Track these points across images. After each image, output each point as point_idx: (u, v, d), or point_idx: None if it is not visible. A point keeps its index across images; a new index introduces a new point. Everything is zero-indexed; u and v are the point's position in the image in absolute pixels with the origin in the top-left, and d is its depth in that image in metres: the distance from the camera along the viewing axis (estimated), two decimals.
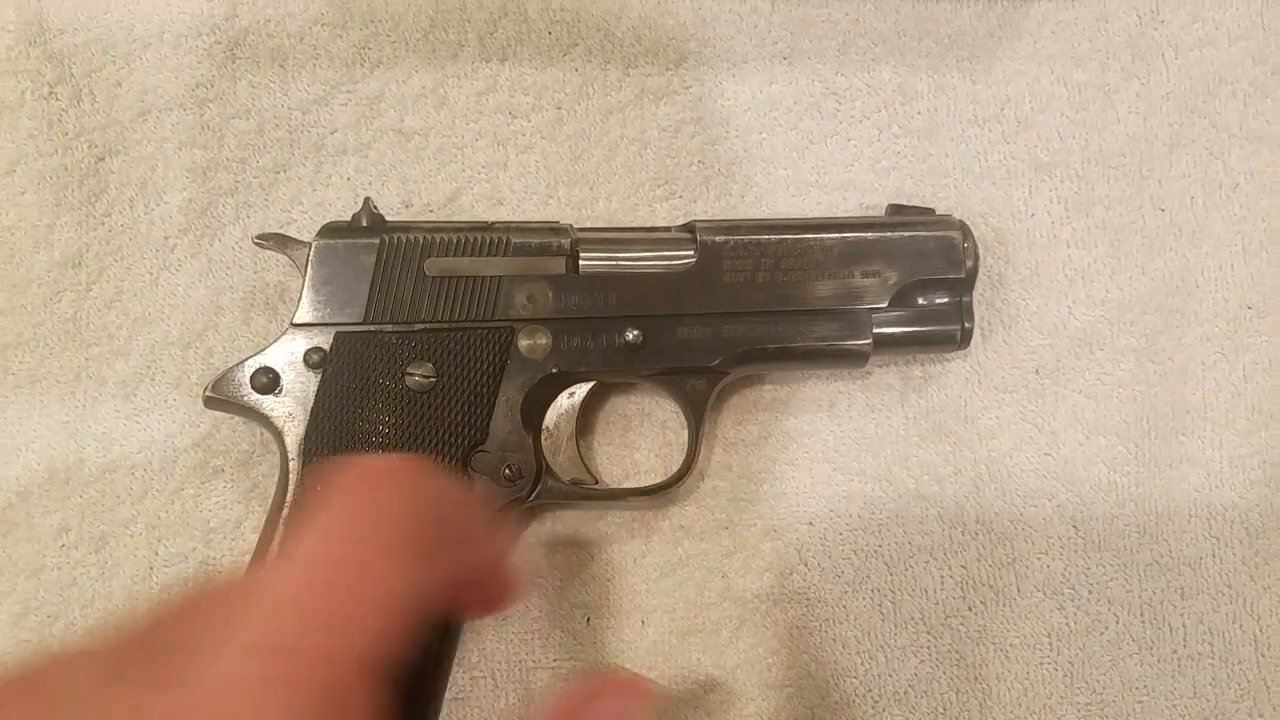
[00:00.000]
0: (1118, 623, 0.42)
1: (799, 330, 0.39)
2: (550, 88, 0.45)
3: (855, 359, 0.39)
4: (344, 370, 0.37)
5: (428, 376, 0.37)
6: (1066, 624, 0.42)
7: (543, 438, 0.39)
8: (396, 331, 0.38)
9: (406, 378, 0.37)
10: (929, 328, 0.39)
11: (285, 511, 0.37)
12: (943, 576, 0.42)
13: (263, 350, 0.38)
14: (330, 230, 0.39)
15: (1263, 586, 0.43)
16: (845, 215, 0.43)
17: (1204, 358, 0.44)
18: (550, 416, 0.39)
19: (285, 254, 0.40)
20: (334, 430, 0.37)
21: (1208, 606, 0.42)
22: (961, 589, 0.42)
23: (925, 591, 0.42)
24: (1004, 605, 0.42)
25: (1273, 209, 0.45)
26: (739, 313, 0.38)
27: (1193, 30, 0.46)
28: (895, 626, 0.41)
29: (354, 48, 0.44)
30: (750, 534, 0.42)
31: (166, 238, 0.43)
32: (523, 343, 0.38)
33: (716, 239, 0.39)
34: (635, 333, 0.38)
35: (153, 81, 0.44)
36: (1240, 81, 0.46)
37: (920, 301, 0.39)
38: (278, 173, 0.44)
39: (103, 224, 0.43)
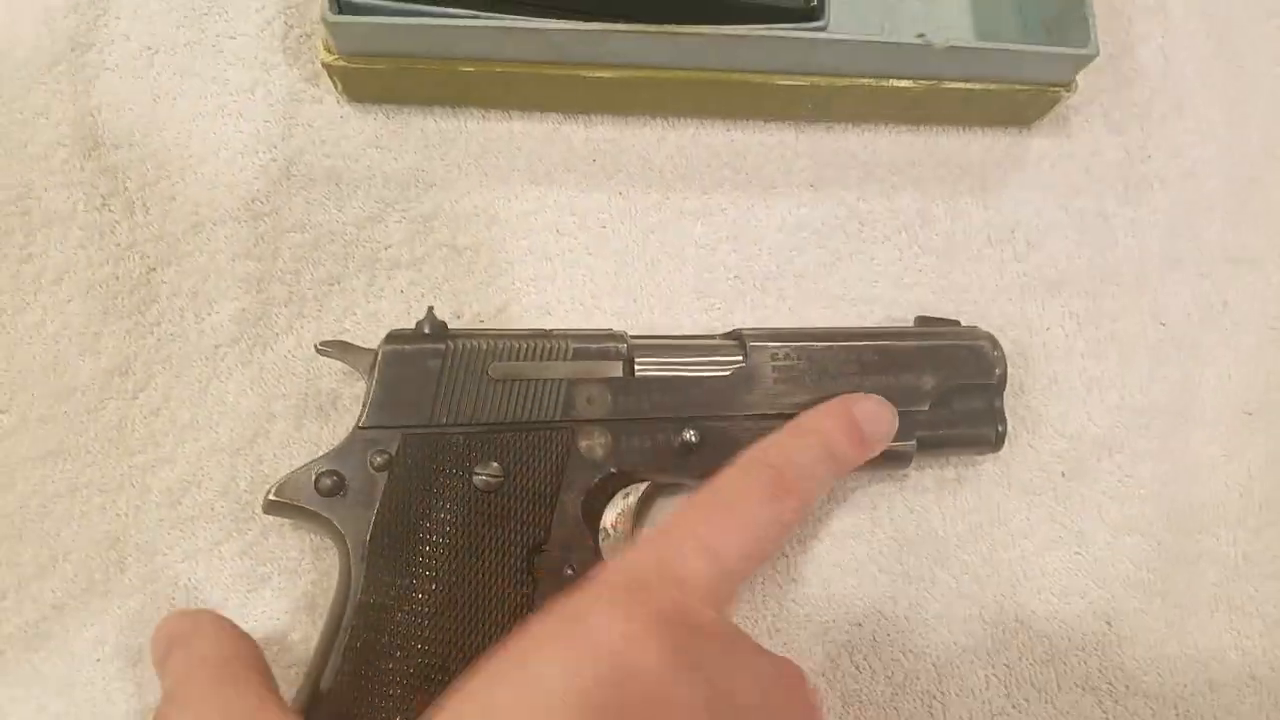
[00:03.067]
0: (1153, 715, 0.49)
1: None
2: (594, 209, 0.53)
3: (900, 460, 0.47)
4: (410, 471, 0.42)
5: (495, 475, 0.42)
6: (1105, 718, 0.48)
7: (600, 538, 0.45)
8: (462, 432, 0.43)
9: (474, 477, 0.42)
10: (966, 430, 0.47)
11: (346, 617, 0.41)
12: (987, 676, 0.48)
13: (327, 455, 0.43)
14: (396, 337, 0.44)
15: None
16: (881, 325, 0.51)
17: (1211, 459, 0.53)
18: (608, 517, 0.45)
19: (347, 361, 0.45)
20: (400, 531, 0.42)
21: (1234, 698, 0.49)
22: (1006, 687, 0.48)
23: (972, 691, 0.48)
24: (1045, 703, 0.48)
25: (1260, 323, 0.55)
26: (786, 414, 0.45)
27: (1176, 164, 0.57)
28: None
29: (408, 170, 0.52)
30: (800, 636, 0.48)
31: (217, 346, 0.49)
32: (583, 443, 0.44)
33: (762, 344, 0.46)
34: (691, 433, 0.44)
35: (207, 196, 0.51)
36: (1218, 210, 0.57)
37: (956, 406, 0.47)
38: (331, 285, 0.51)
39: (152, 332, 0.49)
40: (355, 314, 0.50)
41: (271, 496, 0.42)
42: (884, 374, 0.46)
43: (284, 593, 0.47)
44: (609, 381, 0.44)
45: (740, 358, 0.46)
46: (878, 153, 0.55)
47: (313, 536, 0.47)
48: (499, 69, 0.49)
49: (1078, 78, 0.54)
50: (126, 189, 0.51)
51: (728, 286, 0.53)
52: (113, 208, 0.50)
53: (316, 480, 0.42)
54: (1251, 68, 0.60)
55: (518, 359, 0.44)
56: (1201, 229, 0.56)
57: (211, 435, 0.48)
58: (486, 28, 0.47)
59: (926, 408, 0.46)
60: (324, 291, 0.51)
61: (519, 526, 0.43)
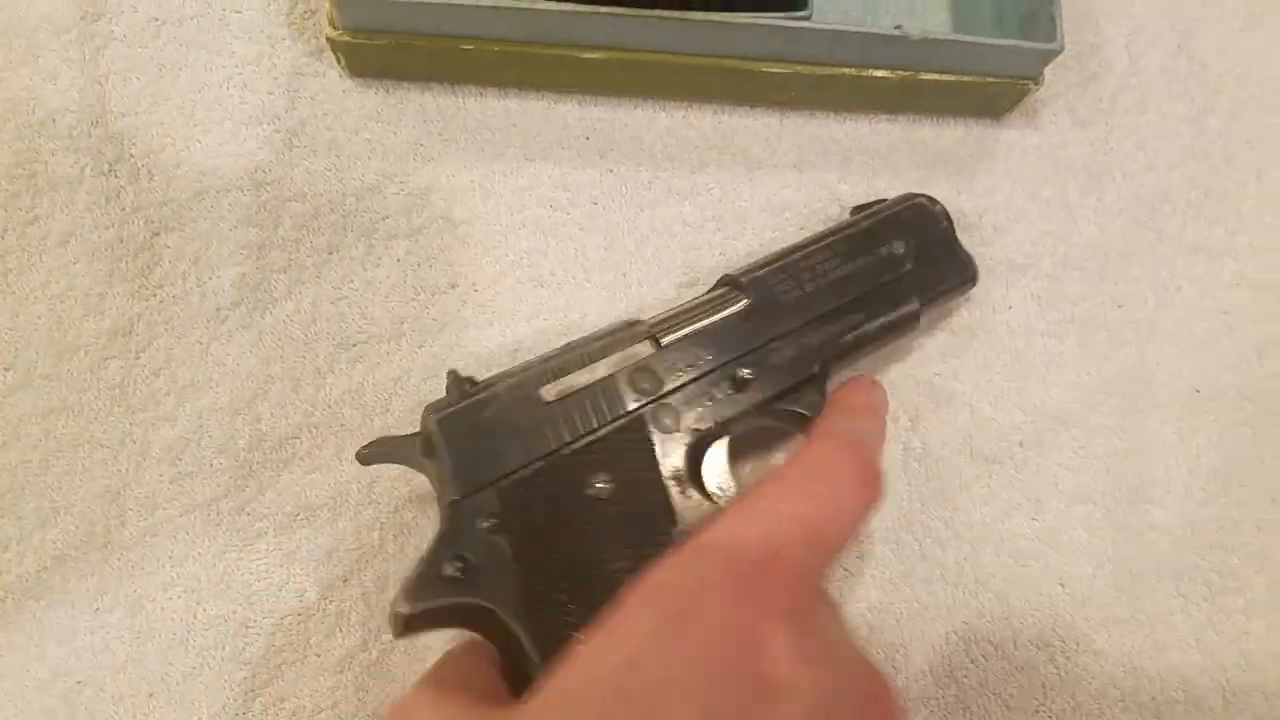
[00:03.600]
0: (1102, 673, 0.53)
1: (862, 313, 0.49)
2: (586, 186, 0.56)
3: (912, 321, 0.50)
4: (525, 517, 0.41)
5: (606, 482, 0.42)
6: (1058, 675, 0.52)
7: (717, 501, 0.44)
8: (552, 461, 0.42)
9: (586, 491, 0.41)
10: (948, 273, 0.52)
11: (531, 668, 0.38)
12: (947, 632, 0.52)
13: (437, 545, 0.40)
14: (438, 408, 0.42)
15: (1226, 640, 0.55)
16: (833, 224, 0.53)
17: (1164, 436, 0.57)
18: (710, 482, 0.45)
19: (396, 458, 0.44)
20: (541, 577, 0.40)
21: (1179, 658, 0.54)
22: (964, 643, 0.52)
23: (932, 646, 0.52)
24: (1002, 658, 0.52)
25: (1212, 309, 0.60)
26: (811, 319, 0.48)
27: (1137, 157, 0.61)
28: (906, 679, 0.51)
29: (407, 144, 0.55)
30: None
31: (218, 309, 0.52)
32: (652, 425, 0.44)
33: (754, 274, 0.48)
34: (745, 370, 0.46)
35: (211, 164, 0.54)
36: (1178, 201, 0.61)
37: (930, 257, 0.51)
38: (330, 253, 0.53)
39: (155, 295, 0.52)
40: (353, 281, 0.53)
41: (409, 612, 0.38)
42: (864, 255, 0.50)
43: (278, 547, 0.50)
44: (647, 360, 0.45)
45: (741, 294, 0.48)
46: (858, 139, 0.59)
47: (307, 493, 0.50)
48: (496, 48, 0.52)
49: (1046, 72, 0.58)
50: (132, 155, 0.53)
51: (714, 263, 0.56)
52: (118, 173, 0.53)
53: (444, 568, 0.39)
54: (1214, 66, 0.64)
55: (559, 376, 0.44)
56: (1161, 219, 0.60)
57: (211, 395, 0.51)
58: (484, 7, 0.50)
59: (910, 267, 0.50)
60: (322, 259, 0.53)
61: (645, 520, 0.42)
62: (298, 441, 0.51)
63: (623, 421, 0.43)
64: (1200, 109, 0.63)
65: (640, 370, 0.45)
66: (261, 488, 0.50)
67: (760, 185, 0.58)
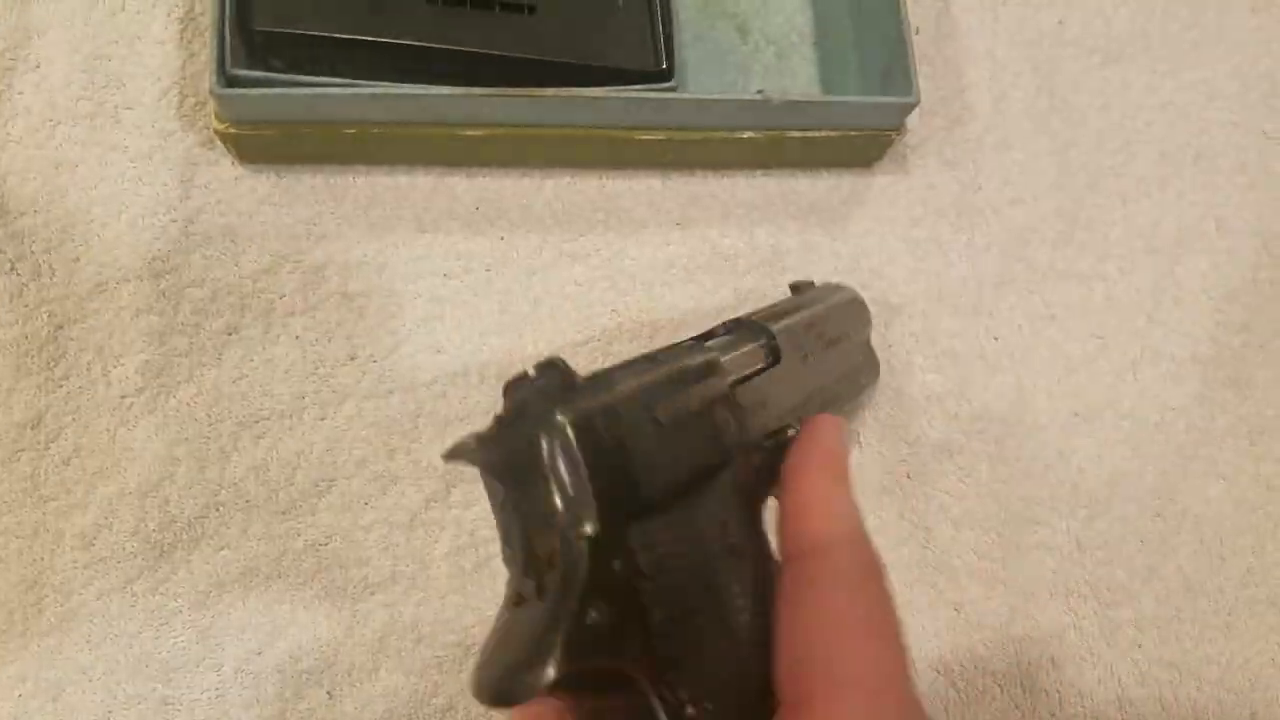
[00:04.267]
0: (1002, 693, 0.57)
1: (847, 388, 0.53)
2: (479, 253, 0.61)
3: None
4: (656, 559, 0.32)
5: (736, 526, 0.35)
6: (958, 697, 0.57)
7: None
8: (692, 492, 0.34)
9: (726, 536, 0.35)
10: (861, 374, 0.56)
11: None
12: None
13: (571, 589, 0.29)
14: (555, 398, 0.31)
15: (1119, 653, 0.59)
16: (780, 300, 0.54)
17: (1045, 458, 0.62)
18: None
19: (475, 460, 0.32)
20: (678, 635, 0.32)
21: (1075, 673, 0.58)
22: None
23: None
24: None
25: (1084, 333, 0.65)
26: (812, 392, 0.46)
27: (1005, 192, 0.67)
28: None
29: (300, 223, 0.60)
30: None
31: (123, 396, 0.56)
32: (740, 464, 0.37)
33: (764, 322, 0.46)
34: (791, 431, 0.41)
35: (110, 257, 0.58)
36: (1047, 232, 0.67)
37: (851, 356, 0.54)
38: (230, 334, 0.58)
39: (61, 386, 0.56)
40: (253, 360, 0.58)
41: (558, 673, 0.28)
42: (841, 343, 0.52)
43: (193, 624, 0.54)
44: (756, 374, 0.41)
45: (763, 337, 0.44)
46: (736, 195, 0.65)
47: (218, 570, 0.53)
48: (377, 130, 0.57)
49: (909, 120, 0.63)
50: (33, 252, 0.58)
51: (606, 320, 0.61)
52: (20, 271, 0.57)
53: (589, 621, 0.30)
54: (1075, 101, 0.70)
55: (673, 397, 0.35)
56: (1030, 250, 0.66)
57: (120, 480, 0.55)
58: (358, 95, 0.55)
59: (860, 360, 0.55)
60: (222, 341, 0.58)
61: (751, 568, 0.36)
62: (205, 521, 0.55)
63: (726, 459, 0.36)
64: (1064, 143, 0.69)
65: (732, 406, 0.38)
66: (174, 567, 0.54)
67: (646, 243, 0.63)
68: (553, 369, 0.32)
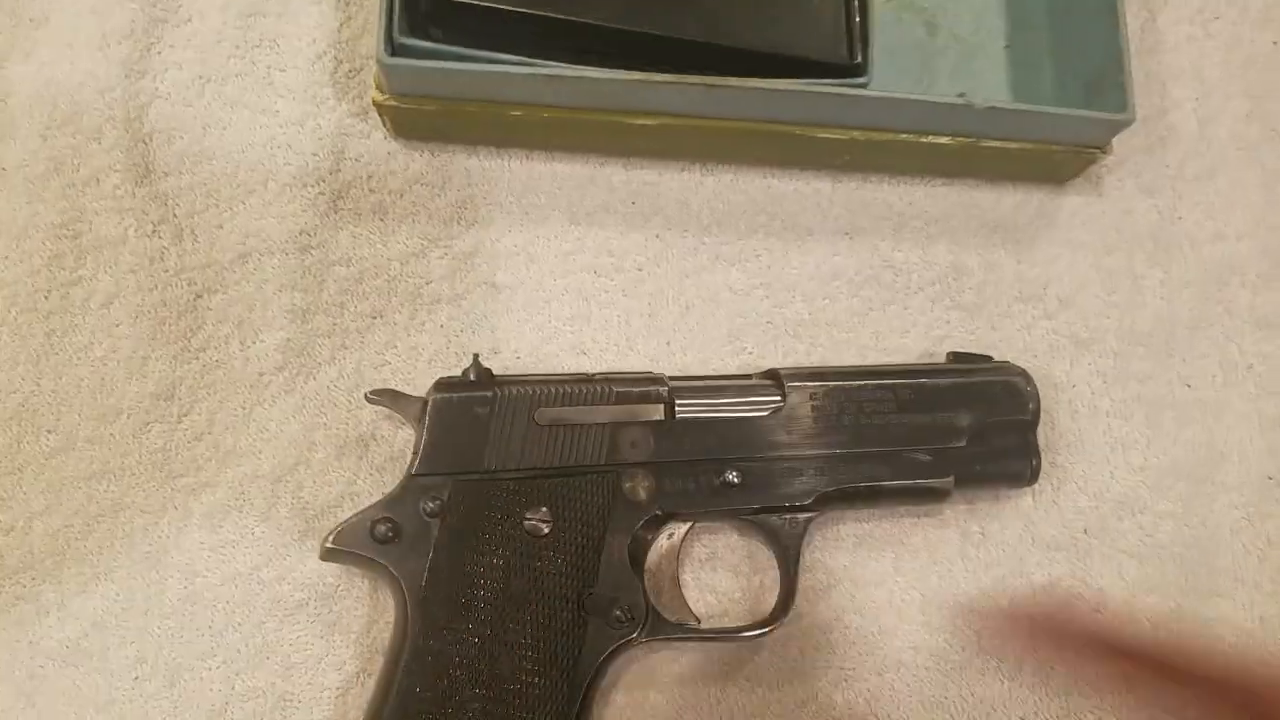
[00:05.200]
0: None
1: (886, 469, 0.53)
2: (631, 251, 0.61)
3: (937, 496, 0.54)
4: (462, 517, 0.49)
5: (545, 520, 0.50)
6: None
7: (646, 579, 0.51)
8: (512, 479, 0.50)
9: (525, 522, 0.50)
10: (1002, 465, 0.54)
11: (403, 661, 0.47)
12: None
13: (380, 502, 0.50)
14: (444, 385, 0.52)
15: None
16: (917, 363, 0.58)
17: (1232, 523, 0.60)
18: (651, 557, 0.52)
19: (396, 410, 0.52)
20: (453, 576, 0.49)
21: None
22: None
23: None
24: None
25: None
26: (826, 454, 0.52)
27: (1206, 226, 0.65)
28: None
29: (451, 206, 0.61)
30: (822, 684, 0.56)
31: (261, 374, 0.57)
32: (627, 486, 0.51)
33: (800, 384, 0.53)
34: (734, 473, 0.51)
35: (255, 226, 0.59)
36: (1248, 273, 0.65)
37: (992, 442, 0.54)
38: (374, 318, 0.59)
39: (197, 358, 0.57)
40: (396, 347, 0.58)
41: (329, 544, 0.49)
42: (920, 412, 0.54)
43: (319, 618, 0.55)
44: (651, 424, 0.52)
45: (778, 398, 0.53)
46: (913, 204, 0.64)
47: (346, 566, 0.53)
48: (545, 114, 0.57)
49: (1113, 140, 0.60)
50: (176, 216, 0.59)
51: (760, 332, 0.61)
52: (162, 234, 0.58)
53: (372, 528, 0.49)
54: None
55: (563, 404, 0.51)
56: (1230, 291, 0.65)
57: (254, 461, 0.56)
58: (534, 75, 0.55)
59: (963, 444, 0.54)
60: (367, 324, 0.59)
61: (569, 569, 0.50)
62: (340, 510, 0.56)
63: (596, 473, 0.50)
64: (1273, 174, 0.67)
65: (640, 432, 0.51)
66: (303, 557, 0.54)
67: (810, 251, 0.63)
68: (470, 369, 0.51)
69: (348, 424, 0.56)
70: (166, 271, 0.57)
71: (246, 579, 0.54)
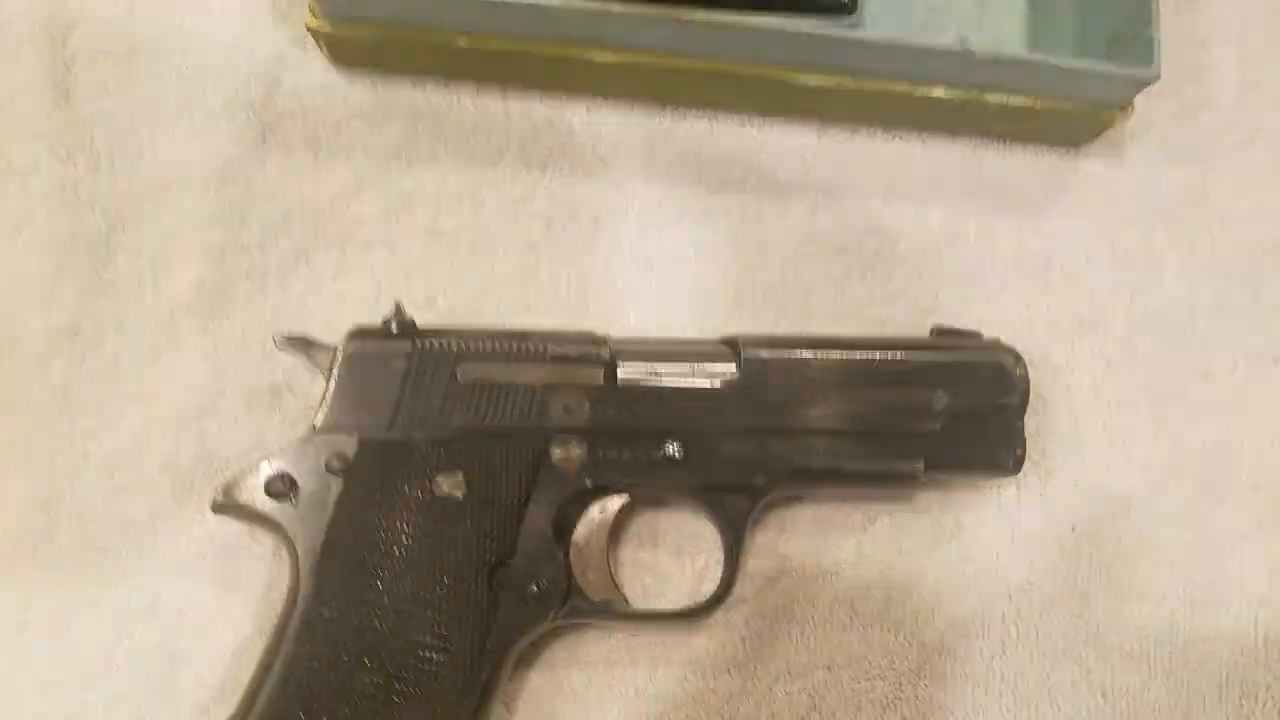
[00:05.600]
0: None
1: (847, 450, 0.53)
2: (590, 201, 0.61)
3: (903, 482, 0.54)
4: (368, 478, 0.50)
5: (457, 487, 0.50)
6: None
7: (571, 554, 0.52)
8: (426, 440, 0.51)
9: (435, 487, 0.50)
10: (980, 451, 0.54)
11: (292, 628, 0.49)
12: None
13: (280, 453, 0.50)
14: (359, 334, 0.52)
15: None
16: (893, 336, 0.57)
17: (1243, 530, 0.59)
18: (580, 531, 0.53)
19: (307, 357, 0.53)
20: (353, 542, 0.49)
21: None
22: None
23: None
24: None
25: None
26: (784, 430, 0.52)
27: (1239, 202, 0.64)
28: None
29: (392, 142, 0.61)
30: (763, 675, 0.56)
31: (173, 314, 0.58)
32: (556, 454, 0.51)
33: (760, 354, 0.53)
34: (675, 445, 0.52)
35: (177, 156, 0.60)
36: None
37: (970, 426, 0.54)
38: (298, 260, 0.59)
39: (106, 293, 0.58)
40: (321, 293, 0.59)
41: (219, 498, 0.50)
42: (891, 388, 0.53)
43: (217, 574, 0.56)
44: (588, 389, 0.52)
45: (733, 366, 0.53)
46: (908, 162, 0.64)
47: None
48: (494, 44, 0.58)
49: (1136, 101, 0.61)
50: (93, 142, 0.60)
51: (726, 296, 0.61)
52: (77, 161, 0.60)
53: (267, 482, 0.50)
54: None
55: (490, 361, 0.52)
56: (1261, 276, 0.63)
57: (158, 407, 0.57)
58: (478, 0, 0.55)
59: (938, 427, 0.53)
60: (290, 266, 0.59)
61: (482, 540, 0.51)
62: (244, 464, 0.57)
63: (522, 438, 0.51)
64: None
65: (575, 397, 0.52)
66: (202, 509, 0.55)
67: (788, 210, 0.63)
68: (391, 319, 0.52)
69: (260, 372, 0.57)
70: (79, 201, 0.58)
71: (141, 529, 0.55)
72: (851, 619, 0.57)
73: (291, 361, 0.58)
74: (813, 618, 0.57)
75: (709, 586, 0.55)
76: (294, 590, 0.49)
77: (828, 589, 0.58)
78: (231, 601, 0.56)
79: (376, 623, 0.49)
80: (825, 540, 0.58)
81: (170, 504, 0.56)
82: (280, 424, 0.58)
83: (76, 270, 0.59)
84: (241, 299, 0.59)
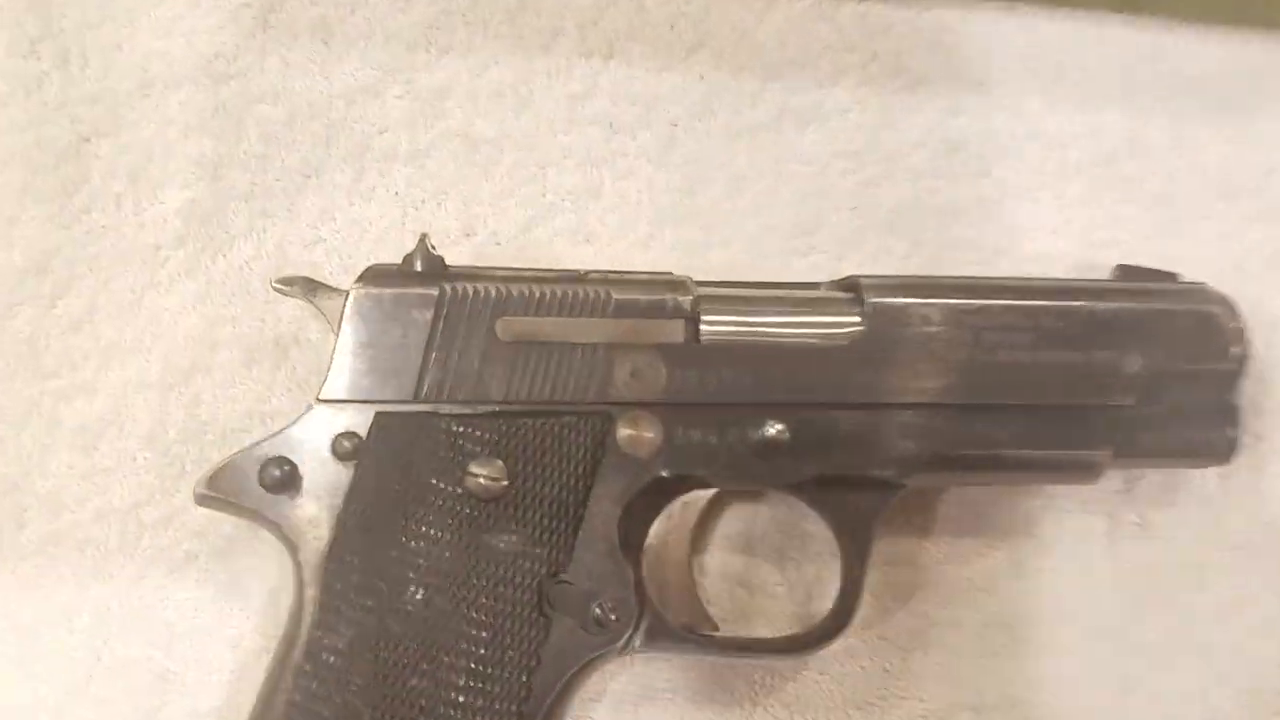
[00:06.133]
0: None
1: (1012, 431, 0.43)
2: (664, 98, 0.52)
3: (1083, 472, 0.44)
4: (385, 465, 0.41)
5: (496, 478, 0.40)
6: None
7: (643, 567, 0.43)
8: (457, 415, 0.41)
9: (468, 479, 0.40)
10: (1184, 433, 0.44)
11: (295, 656, 0.40)
12: None
13: (277, 434, 0.41)
14: (374, 276, 0.42)
15: None
16: (1070, 279, 0.47)
17: None
18: (654, 536, 0.43)
19: (313, 303, 0.43)
20: (366, 546, 0.40)
21: None
22: None
23: None
24: None
25: None
26: (923, 404, 0.42)
27: None
28: None
29: (419, 26, 0.51)
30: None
31: (158, 247, 0.50)
32: (623, 434, 0.42)
33: (891, 301, 0.43)
34: (778, 427, 0.42)
35: (160, 47, 0.51)
36: None
37: (1172, 400, 0.43)
38: (307, 177, 0.51)
39: (79, 221, 0.50)
40: (334, 219, 0.51)
41: (203, 489, 0.41)
42: (1070, 349, 0.43)
43: (213, 577, 0.48)
44: (663, 349, 0.42)
45: (857, 319, 0.43)
46: (1075, 45, 0.53)
47: None
48: None
49: None
50: (62, 31, 0.51)
51: (840, 222, 0.52)
52: (42, 55, 0.51)
53: (262, 470, 0.40)
54: None
55: (539, 313, 0.42)
56: None
57: (141, 364, 0.49)
58: None
59: (1131, 401, 0.43)
60: (297, 185, 0.51)
61: (529, 548, 0.41)
62: (246, 436, 0.48)
63: (578, 416, 0.42)
64: None
65: (647, 359, 0.42)
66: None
67: (921, 108, 0.52)
68: (416, 253, 0.42)
69: (263, 321, 0.50)
70: (45, 105, 0.51)
71: (123, 518, 0.48)
72: (1008, 647, 0.49)
73: (298, 308, 0.49)
74: (958, 645, 0.49)
75: (822, 605, 0.46)
76: (296, 611, 0.40)
77: (978, 611, 0.49)
78: (230, 610, 0.49)
79: (397, 656, 0.40)
80: (969, 546, 0.49)
81: (155, 487, 0.49)
82: (287, 386, 0.50)
83: (42, 194, 0.51)
84: (239, 228, 0.51)
